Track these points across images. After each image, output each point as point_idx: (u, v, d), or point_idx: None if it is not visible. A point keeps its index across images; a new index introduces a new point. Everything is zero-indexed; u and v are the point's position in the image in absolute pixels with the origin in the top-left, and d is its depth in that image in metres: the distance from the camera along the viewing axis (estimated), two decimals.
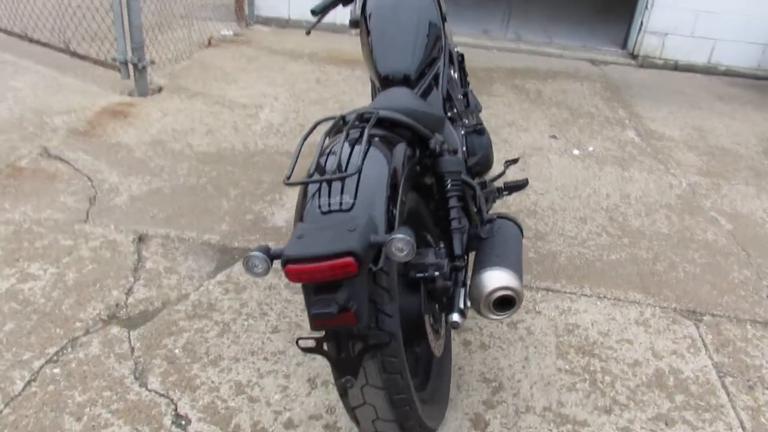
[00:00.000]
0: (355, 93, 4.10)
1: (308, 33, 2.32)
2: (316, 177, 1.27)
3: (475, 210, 1.73)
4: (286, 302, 2.08)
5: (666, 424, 1.72)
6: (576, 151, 3.49)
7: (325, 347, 1.22)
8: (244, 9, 5.48)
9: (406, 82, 1.90)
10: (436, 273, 1.41)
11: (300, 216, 1.26)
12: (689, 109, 4.41)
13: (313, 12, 2.13)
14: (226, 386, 1.74)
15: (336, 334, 1.19)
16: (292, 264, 1.11)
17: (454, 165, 1.55)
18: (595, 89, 4.65)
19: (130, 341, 1.87)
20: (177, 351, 1.85)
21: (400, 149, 1.41)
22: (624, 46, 5.69)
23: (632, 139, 3.75)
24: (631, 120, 4.08)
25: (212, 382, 1.75)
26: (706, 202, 3.05)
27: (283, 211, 2.64)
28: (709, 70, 5.37)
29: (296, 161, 1.32)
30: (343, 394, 1.31)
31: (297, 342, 1.23)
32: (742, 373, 1.95)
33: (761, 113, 4.48)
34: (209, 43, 4.87)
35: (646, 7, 5.26)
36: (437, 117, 1.73)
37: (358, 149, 1.31)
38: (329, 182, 1.26)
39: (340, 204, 1.24)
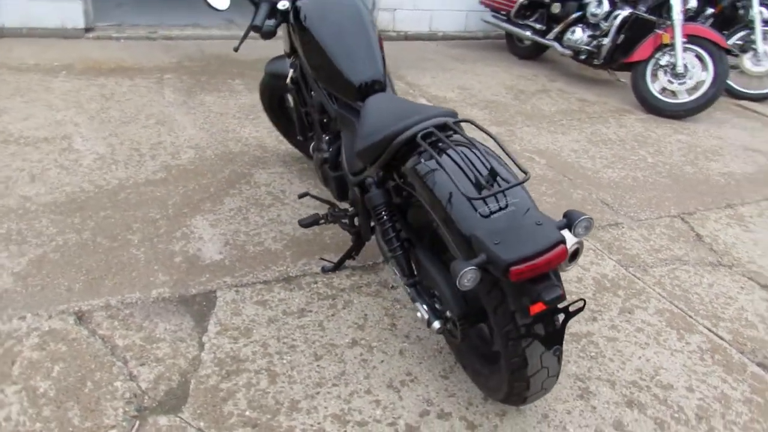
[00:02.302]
0: (161, 104, 3.77)
1: (236, 50, 2.17)
2: (492, 191, 1.37)
3: None
4: (299, 327, 2.03)
5: (630, 313, 2.27)
6: None
7: (536, 330, 1.37)
8: None
9: (381, 87, 2.00)
10: None
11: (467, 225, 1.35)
12: (443, 72, 5.17)
13: (257, 28, 2.01)
14: (327, 424, 1.69)
15: (553, 312, 1.35)
16: (515, 266, 1.24)
17: None
18: None
19: (190, 424, 1.64)
20: (248, 413, 1.70)
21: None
22: None
23: None
24: (414, 89, 4.64)
25: (311, 426, 1.68)
26: (516, 147, 3.76)
27: (207, 243, 2.44)
28: (431, 37, 6.28)
29: None
30: (522, 367, 1.47)
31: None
32: (634, 262, 2.63)
33: (490, 67, 5.50)
34: None
35: None
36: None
37: (486, 157, 1.46)
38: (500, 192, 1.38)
39: (504, 205, 1.39)
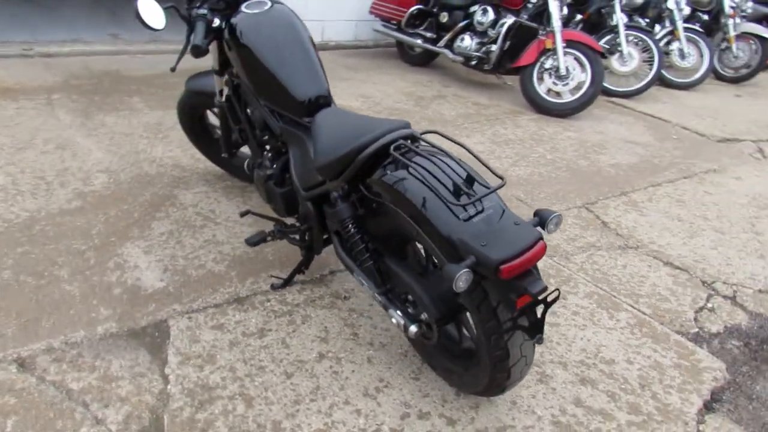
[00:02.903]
0: (57, 127, 3.51)
1: (173, 70, 2.10)
2: (475, 197, 1.46)
3: None
4: (263, 347, 2.01)
5: (564, 299, 2.48)
6: None
7: (521, 322, 1.48)
8: None
9: (327, 102, 2.04)
10: None
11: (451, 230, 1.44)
12: (341, 81, 5.24)
13: (197, 47, 1.96)
14: None
15: (535, 304, 1.46)
16: (505, 264, 1.35)
17: None
18: None
19: None
20: None
21: None
22: None
23: None
24: None
25: None
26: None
27: (144, 271, 2.33)
28: (323, 47, 6.32)
29: None
30: (504, 359, 1.57)
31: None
32: (557, 251, 2.86)
33: (386, 75, 5.65)
34: None
35: None
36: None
37: (459, 166, 1.55)
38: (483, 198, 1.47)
39: (480, 209, 1.49)
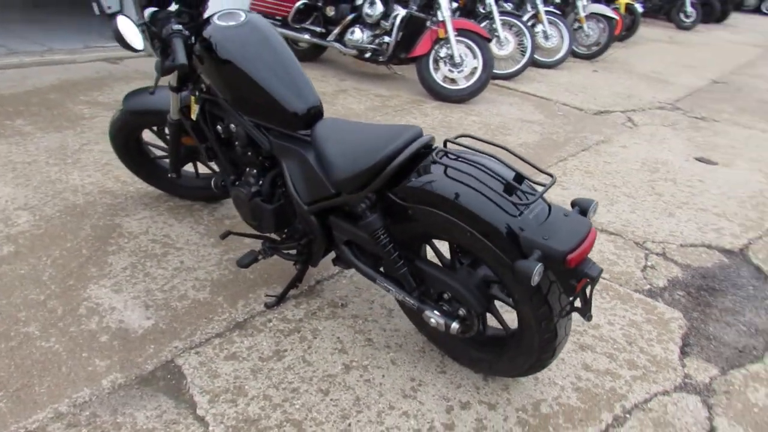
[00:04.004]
0: None
1: (152, 93, 1.93)
2: (527, 196, 1.55)
3: None
4: (287, 369, 1.97)
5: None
6: None
7: (577, 303, 1.60)
8: None
9: (319, 112, 2.02)
10: None
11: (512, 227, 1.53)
12: None
13: (183, 66, 1.83)
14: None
15: (588, 285, 1.58)
16: (571, 254, 1.47)
17: None
18: None
19: None
20: None
21: None
22: None
23: None
24: None
25: None
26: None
27: (125, 312, 2.15)
28: None
29: None
30: (552, 340, 1.69)
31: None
32: None
33: None
34: None
35: None
36: None
37: (502, 165, 1.64)
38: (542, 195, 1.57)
39: (533, 205, 1.59)
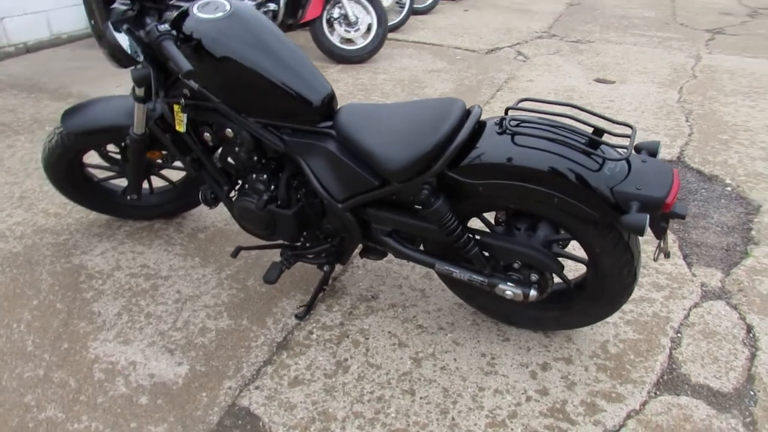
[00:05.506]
0: None
1: (153, 109, 1.62)
2: (627, 149, 1.53)
3: None
4: (358, 379, 1.84)
5: None
6: None
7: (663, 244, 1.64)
8: None
9: (335, 100, 1.86)
10: None
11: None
12: (114, 84, 4.53)
13: (191, 72, 1.56)
14: (494, 430, 1.68)
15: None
16: (667, 199, 1.50)
17: None
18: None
19: None
20: None
21: None
22: None
23: None
24: None
25: None
26: None
27: (149, 364, 1.88)
28: (55, 42, 5.30)
29: None
30: (633, 282, 1.72)
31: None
32: None
33: None
34: None
35: None
36: None
37: (573, 124, 1.61)
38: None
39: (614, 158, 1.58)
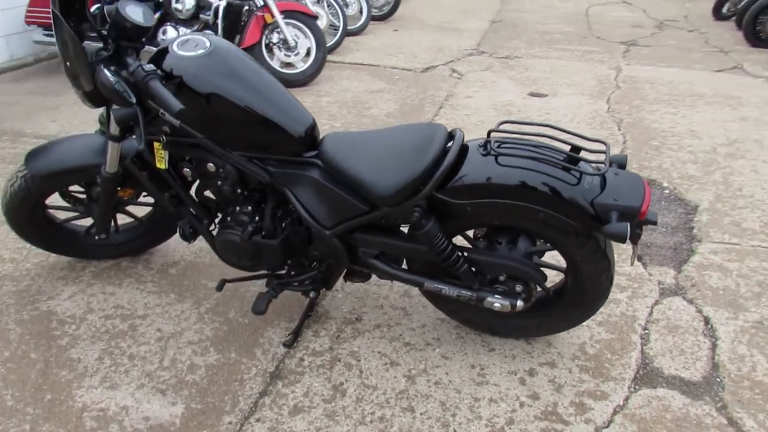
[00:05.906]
0: None
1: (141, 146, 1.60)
2: (603, 164, 1.64)
3: None
4: (356, 402, 1.88)
5: None
6: None
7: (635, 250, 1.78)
8: None
9: (317, 130, 1.92)
10: None
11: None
12: (47, 116, 4.36)
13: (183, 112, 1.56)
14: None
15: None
16: (641, 207, 1.64)
17: None
18: None
19: None
20: None
21: None
22: None
23: None
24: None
25: None
26: None
27: (141, 406, 1.83)
28: None
29: None
30: (609, 287, 1.86)
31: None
32: None
33: None
34: None
35: None
36: None
37: (551, 143, 1.73)
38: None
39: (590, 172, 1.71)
